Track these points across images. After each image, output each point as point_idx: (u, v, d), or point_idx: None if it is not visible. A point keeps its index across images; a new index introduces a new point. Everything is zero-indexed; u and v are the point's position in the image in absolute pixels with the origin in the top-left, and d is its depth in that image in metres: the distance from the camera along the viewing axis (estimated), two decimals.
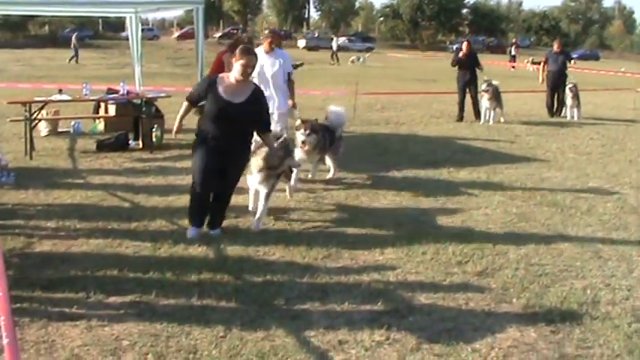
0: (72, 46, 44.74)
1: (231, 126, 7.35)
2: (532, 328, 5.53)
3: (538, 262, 7.15)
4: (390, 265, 6.90)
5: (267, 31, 11.61)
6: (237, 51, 7.42)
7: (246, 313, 5.55)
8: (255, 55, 7.61)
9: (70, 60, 43.08)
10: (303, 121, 9.98)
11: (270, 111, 8.61)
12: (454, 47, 72.50)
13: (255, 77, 9.51)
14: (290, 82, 10.97)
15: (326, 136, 10.22)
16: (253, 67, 7.63)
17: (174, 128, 7.98)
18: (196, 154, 7.52)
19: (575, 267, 7.05)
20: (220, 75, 7.75)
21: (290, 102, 10.97)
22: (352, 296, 6.06)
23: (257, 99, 7.55)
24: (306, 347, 5.04)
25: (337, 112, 10.94)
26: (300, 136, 9.82)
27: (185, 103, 7.73)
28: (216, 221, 7.78)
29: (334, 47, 56.84)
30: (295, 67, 15.57)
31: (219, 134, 7.37)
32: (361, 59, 51.01)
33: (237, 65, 7.34)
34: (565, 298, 6.16)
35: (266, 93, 8.96)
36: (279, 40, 11.65)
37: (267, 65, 10.57)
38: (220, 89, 7.37)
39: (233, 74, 7.42)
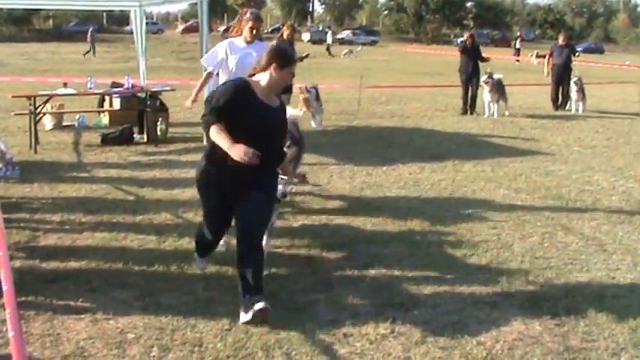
0: (88, 39, 44.73)
1: (271, 142, 5.56)
2: (537, 321, 5.53)
3: (543, 256, 7.14)
4: (395, 258, 6.91)
5: (248, 14, 8.51)
6: (279, 54, 5.56)
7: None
8: None
9: (92, 54, 42.96)
10: None
11: None
12: (458, 41, 72.52)
13: (231, 71, 8.38)
14: None
15: (302, 149, 9.18)
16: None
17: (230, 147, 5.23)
18: (208, 190, 5.70)
19: (580, 260, 7.05)
20: (249, 78, 5.63)
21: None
22: (357, 289, 6.07)
23: (284, 111, 5.83)
24: (310, 340, 5.04)
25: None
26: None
27: (215, 128, 5.28)
28: (256, 283, 5.38)
29: (329, 41, 56.24)
30: (301, 59, 15.43)
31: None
32: (354, 52, 50.76)
33: (281, 74, 5.48)
34: (570, 292, 6.16)
35: None
36: (261, 26, 9.03)
37: (249, 57, 8.08)
38: (257, 94, 5.47)
39: (270, 81, 5.49)
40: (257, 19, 8.56)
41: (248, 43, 8.49)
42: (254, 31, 8.44)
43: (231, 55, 8.51)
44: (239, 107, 5.34)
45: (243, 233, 5.43)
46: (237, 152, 5.08)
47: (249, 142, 5.15)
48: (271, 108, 5.52)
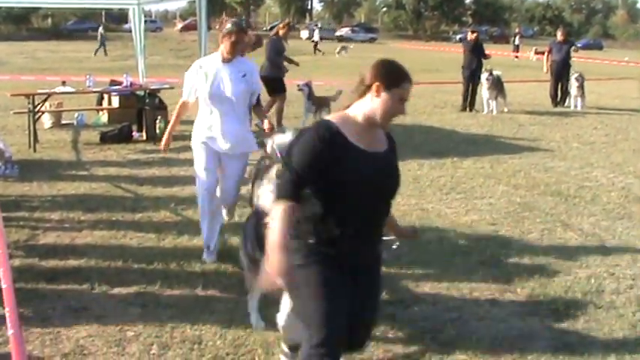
0: (99, 38, 44.80)
1: (382, 202, 3.95)
2: (536, 318, 5.54)
3: (542, 252, 7.15)
4: (394, 255, 6.89)
5: (229, 25, 6.53)
6: (384, 68, 3.79)
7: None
8: None
9: (96, 52, 42.97)
10: None
11: (224, 150, 6.64)
12: (457, 37, 72.38)
13: (205, 101, 6.60)
14: (258, 107, 7.54)
15: None
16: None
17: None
18: (318, 288, 3.75)
19: (579, 256, 7.05)
20: (333, 116, 3.93)
21: (266, 124, 6.94)
22: None
23: (395, 148, 4.13)
24: None
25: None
26: None
27: (282, 208, 3.65)
28: None
29: (316, 38, 54.66)
30: (290, 61, 15.18)
31: (361, 228, 3.80)
32: (346, 50, 50.31)
33: (389, 96, 3.73)
34: (569, 288, 6.16)
35: (221, 125, 6.57)
36: (247, 38, 7.46)
37: (226, 80, 6.51)
38: (351, 138, 3.76)
39: (371, 112, 3.78)
40: (241, 32, 6.57)
41: (226, 61, 6.56)
42: (236, 48, 6.55)
43: (204, 80, 6.55)
44: (326, 166, 3.66)
45: (357, 325, 3.92)
46: (271, 267, 3.60)
47: (351, 209, 3.73)
48: (375, 155, 3.83)
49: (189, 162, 10.21)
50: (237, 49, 6.59)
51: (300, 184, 3.68)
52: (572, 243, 7.50)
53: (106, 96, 14.92)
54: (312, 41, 54.32)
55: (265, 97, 13.06)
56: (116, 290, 5.87)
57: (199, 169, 6.76)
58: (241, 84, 6.55)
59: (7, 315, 3.67)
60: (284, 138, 6.52)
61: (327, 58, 45.00)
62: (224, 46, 6.50)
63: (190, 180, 9.34)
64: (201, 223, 6.83)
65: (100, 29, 46.30)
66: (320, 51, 49.82)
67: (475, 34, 19.58)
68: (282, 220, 3.62)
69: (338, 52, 48.42)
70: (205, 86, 6.49)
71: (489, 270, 6.58)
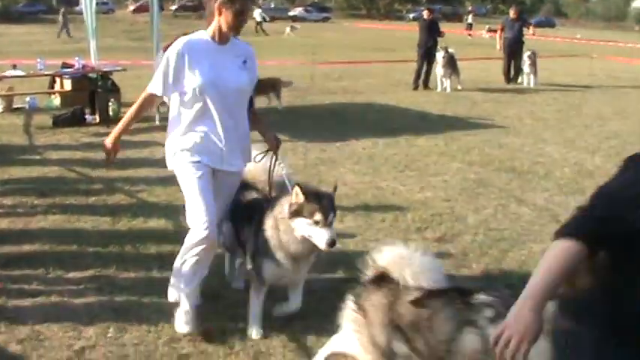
0: (60, 19, 44.08)
1: None
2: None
3: (497, 227, 7.23)
4: (350, 233, 6.93)
5: None
6: None
7: (207, 285, 5.54)
8: None
9: (60, 34, 42.28)
10: (306, 195, 4.70)
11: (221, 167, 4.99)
12: (411, 16, 72.39)
13: (197, 96, 4.80)
14: (256, 117, 5.45)
15: None
16: None
17: None
18: None
19: (533, 231, 7.15)
20: None
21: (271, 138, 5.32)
22: (312, 265, 6.07)
23: None
24: (268, 315, 5.04)
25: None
26: (321, 231, 4.64)
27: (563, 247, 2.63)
28: None
29: (258, 18, 51.75)
30: None
31: None
32: (293, 29, 49.81)
33: None
34: (524, 262, 6.25)
35: (218, 131, 4.89)
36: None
37: (226, 69, 4.89)
38: None
39: None
40: (247, 1, 4.88)
41: (222, 41, 4.90)
42: (241, 21, 4.86)
43: (194, 68, 4.80)
44: None
45: None
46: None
47: None
48: None
49: (143, 144, 10.19)
50: (242, 24, 4.89)
51: (604, 227, 2.53)
52: (526, 218, 7.60)
53: (58, 79, 14.75)
54: (256, 21, 52.44)
55: None
56: (71, 274, 5.83)
57: (195, 202, 4.84)
58: (243, 73, 4.99)
59: None
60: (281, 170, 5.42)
61: (279, 38, 44.81)
62: (224, 19, 4.77)
63: (144, 162, 9.29)
64: (182, 286, 5.06)
65: (62, 11, 45.62)
66: (263, 31, 48.96)
67: (427, 12, 19.80)
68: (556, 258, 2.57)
69: (289, 32, 48.14)
70: (197, 77, 4.78)
71: (444, 246, 6.66)
